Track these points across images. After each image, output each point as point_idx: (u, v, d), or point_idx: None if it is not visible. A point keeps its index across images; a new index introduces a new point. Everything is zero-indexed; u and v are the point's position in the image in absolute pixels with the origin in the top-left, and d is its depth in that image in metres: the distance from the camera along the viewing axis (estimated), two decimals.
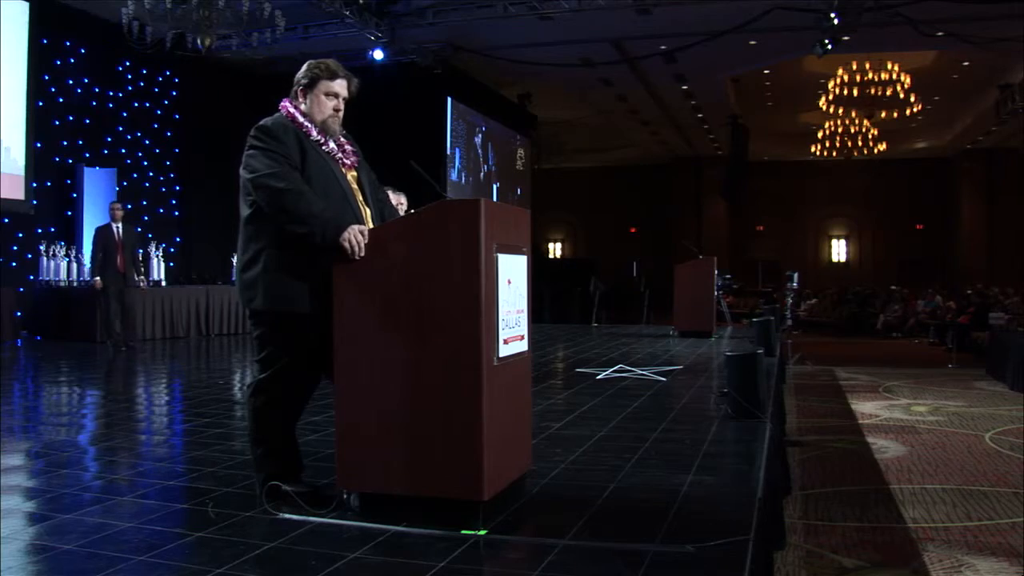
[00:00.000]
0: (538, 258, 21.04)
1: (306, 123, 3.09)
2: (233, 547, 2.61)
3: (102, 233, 9.86)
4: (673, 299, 11.48)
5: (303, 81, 3.13)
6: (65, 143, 11.98)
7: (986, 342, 12.57)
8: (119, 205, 10.17)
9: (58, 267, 11.20)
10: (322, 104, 3.10)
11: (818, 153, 22.27)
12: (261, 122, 3.05)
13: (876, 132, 20.81)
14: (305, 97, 3.12)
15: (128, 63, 12.84)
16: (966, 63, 16.45)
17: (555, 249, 30.11)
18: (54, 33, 11.60)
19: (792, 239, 28.20)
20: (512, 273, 2.92)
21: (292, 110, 3.12)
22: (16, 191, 11.06)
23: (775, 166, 27.06)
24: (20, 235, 11.27)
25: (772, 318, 8.80)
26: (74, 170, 11.96)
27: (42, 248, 11.18)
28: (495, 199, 16.03)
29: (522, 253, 3.05)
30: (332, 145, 3.15)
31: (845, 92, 17.96)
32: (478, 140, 17.56)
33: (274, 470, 3.04)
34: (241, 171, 3.02)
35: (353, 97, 3.20)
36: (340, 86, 3.13)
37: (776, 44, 14.41)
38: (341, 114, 3.15)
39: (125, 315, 9.89)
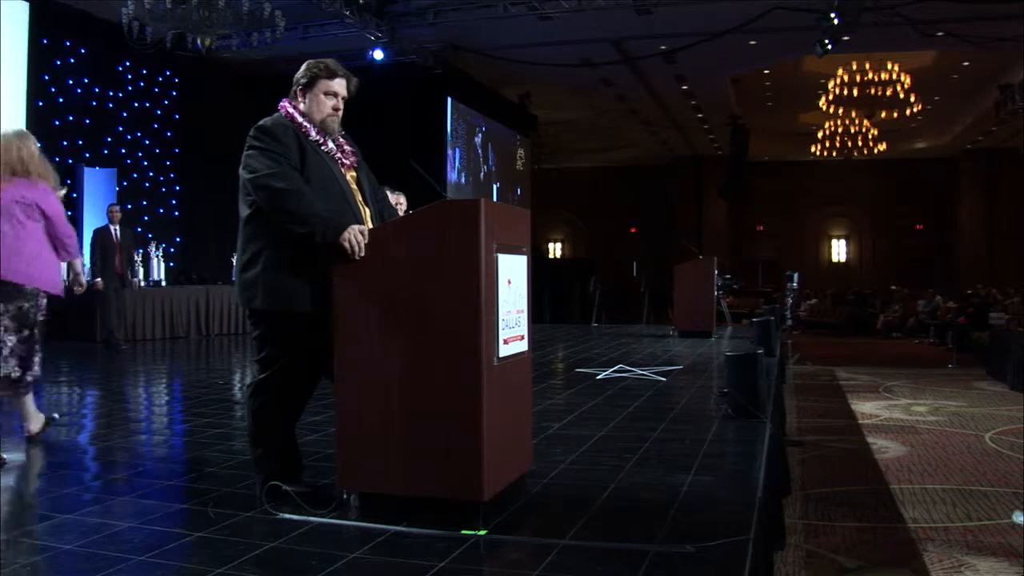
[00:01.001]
0: (538, 258, 21.04)
1: (305, 123, 3.09)
2: (233, 547, 2.61)
3: (100, 235, 10.00)
4: (673, 299, 11.48)
5: (302, 81, 3.13)
6: (65, 143, 11.97)
7: (986, 342, 12.56)
8: (117, 207, 10.26)
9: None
10: (321, 103, 3.10)
11: (818, 153, 22.26)
12: (260, 122, 3.05)
13: (876, 132, 20.80)
14: (304, 97, 3.12)
15: (128, 63, 12.83)
16: (966, 63, 16.45)
17: (555, 249, 30.10)
18: (54, 33, 11.59)
19: (792, 239, 28.19)
20: (512, 273, 2.92)
21: (291, 110, 3.12)
22: None
23: (775, 166, 27.05)
24: None
25: (772, 318, 8.80)
26: (74, 170, 11.94)
27: None
28: (495, 199, 16.03)
29: (522, 253, 3.05)
30: (331, 145, 3.15)
31: (845, 92, 17.95)
32: (478, 140, 17.55)
33: (274, 470, 3.04)
34: (241, 171, 3.02)
35: (352, 96, 3.20)
36: (339, 85, 3.13)
37: (776, 44, 14.40)
38: (340, 113, 3.15)
39: (119, 315, 9.99)
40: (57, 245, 4.23)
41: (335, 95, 3.12)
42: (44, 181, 4.17)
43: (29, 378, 4.16)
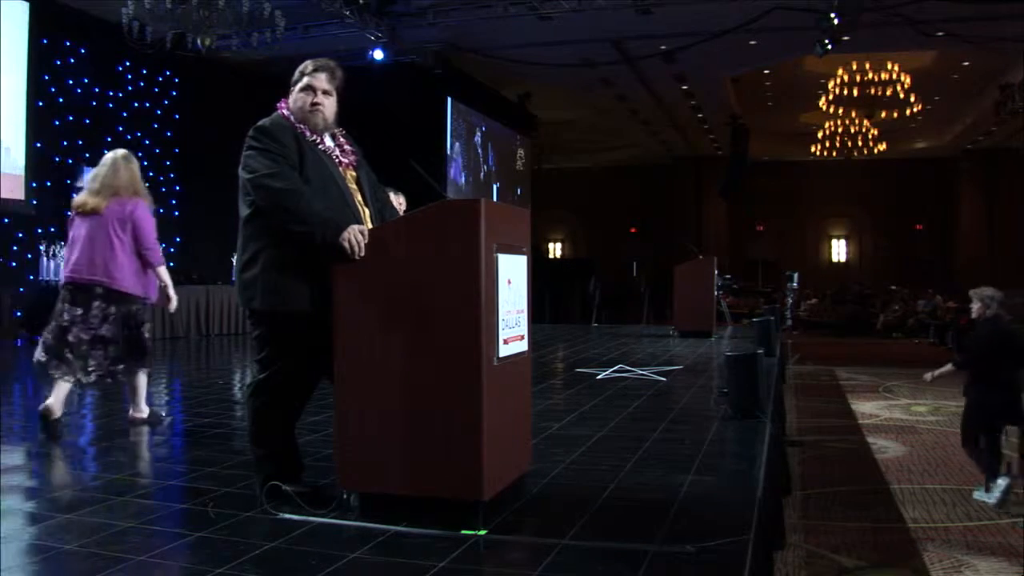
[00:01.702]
0: (538, 258, 21.04)
1: (300, 123, 3.09)
2: (233, 547, 2.61)
3: None
4: (673, 299, 11.49)
5: (291, 80, 3.15)
6: (65, 143, 11.97)
7: None
8: None
9: (58, 267, 11.19)
10: (299, 99, 3.11)
11: (818, 153, 22.27)
12: (259, 123, 3.06)
13: (876, 132, 20.81)
14: (292, 95, 3.14)
15: (128, 63, 12.83)
16: (966, 63, 16.46)
17: (555, 249, 30.11)
18: (54, 33, 11.59)
19: (792, 239, 28.20)
20: (512, 273, 2.92)
21: (287, 111, 3.12)
22: (16, 191, 11.06)
23: (775, 166, 27.06)
24: (20, 235, 11.27)
25: (772, 318, 8.80)
26: (74, 170, 11.95)
27: (42, 248, 11.17)
28: (495, 199, 16.03)
29: (522, 253, 3.05)
30: (329, 143, 3.15)
31: (845, 92, 17.98)
32: (478, 140, 17.56)
33: (274, 470, 3.04)
34: (240, 172, 3.02)
35: (339, 90, 3.17)
36: (316, 79, 3.11)
37: (776, 44, 14.41)
38: (324, 109, 3.11)
39: None
40: (141, 254, 4.74)
41: (312, 90, 3.11)
42: (139, 198, 4.76)
43: (118, 374, 4.73)
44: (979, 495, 5.03)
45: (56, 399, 4.50)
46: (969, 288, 5.51)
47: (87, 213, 4.67)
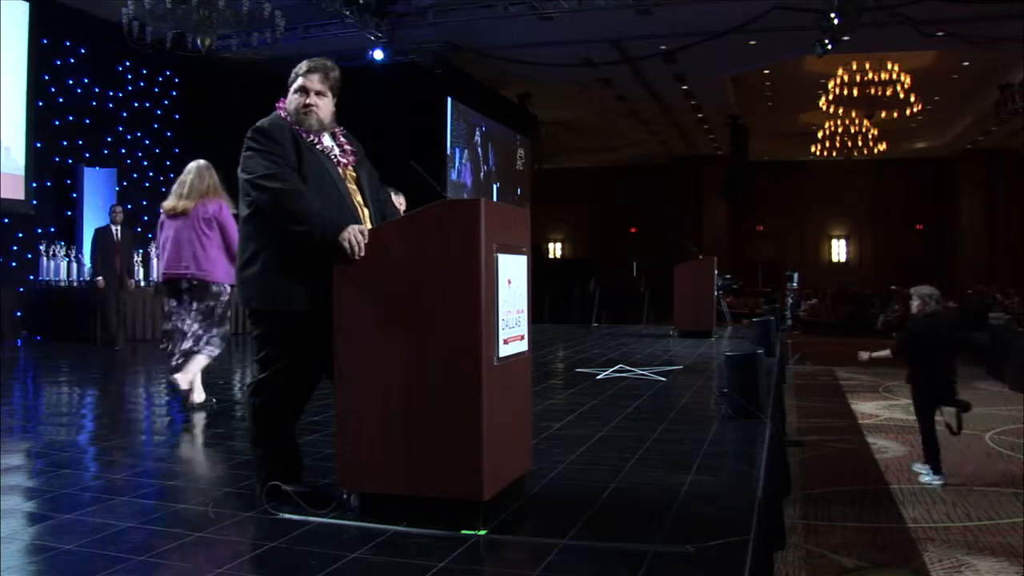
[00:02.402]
0: (538, 258, 21.03)
1: (296, 124, 3.09)
2: (233, 547, 2.61)
3: (101, 235, 10.02)
4: (673, 299, 11.48)
5: (288, 80, 3.15)
6: (65, 143, 11.97)
7: (986, 342, 12.55)
8: (119, 208, 10.28)
9: (58, 267, 11.21)
10: (293, 100, 3.11)
11: (818, 153, 22.27)
12: (258, 123, 3.06)
13: (876, 132, 20.82)
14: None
15: (128, 63, 12.84)
16: (966, 63, 16.46)
17: (555, 249, 30.10)
18: (54, 33, 11.59)
19: (792, 239, 28.20)
20: (512, 273, 2.92)
21: (284, 112, 3.13)
22: (16, 191, 11.06)
23: (775, 166, 27.05)
24: (20, 235, 11.27)
25: (772, 318, 8.80)
26: (74, 170, 11.96)
27: (42, 248, 11.18)
28: (495, 199, 16.03)
29: (522, 253, 3.05)
30: (328, 143, 3.14)
31: (845, 92, 17.98)
32: (478, 140, 17.55)
33: (274, 470, 3.04)
34: (239, 172, 3.02)
35: (335, 89, 3.17)
36: (309, 80, 3.11)
37: (776, 44, 14.41)
38: (318, 110, 3.10)
39: (119, 315, 9.99)
40: (229, 250, 5.30)
41: (306, 91, 3.10)
42: (221, 200, 5.34)
43: (203, 355, 5.37)
44: (918, 466, 5.69)
45: (196, 393, 5.32)
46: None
47: (178, 215, 5.29)
